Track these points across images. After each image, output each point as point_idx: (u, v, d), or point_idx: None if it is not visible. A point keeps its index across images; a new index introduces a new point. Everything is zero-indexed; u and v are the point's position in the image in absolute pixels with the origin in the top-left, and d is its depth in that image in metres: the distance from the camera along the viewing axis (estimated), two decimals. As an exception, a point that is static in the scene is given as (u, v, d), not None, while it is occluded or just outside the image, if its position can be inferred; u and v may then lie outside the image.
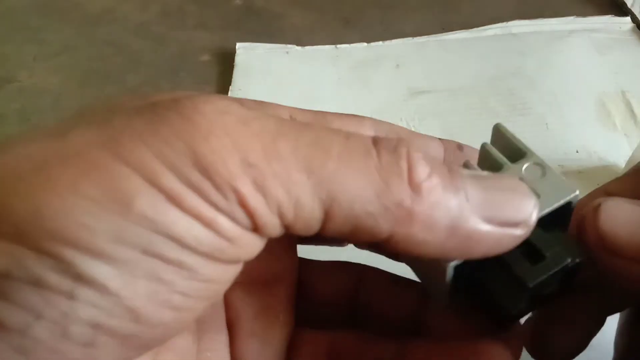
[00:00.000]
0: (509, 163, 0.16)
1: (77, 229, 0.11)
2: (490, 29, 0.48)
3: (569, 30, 0.47)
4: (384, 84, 0.44)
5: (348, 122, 0.18)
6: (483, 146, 0.17)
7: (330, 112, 0.18)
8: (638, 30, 0.47)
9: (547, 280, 0.16)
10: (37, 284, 0.11)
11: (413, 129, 0.34)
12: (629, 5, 0.48)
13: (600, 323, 0.19)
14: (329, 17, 0.51)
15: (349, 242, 0.19)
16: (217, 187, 0.12)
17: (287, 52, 0.47)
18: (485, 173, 0.15)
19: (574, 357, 0.19)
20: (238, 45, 0.47)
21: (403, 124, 0.39)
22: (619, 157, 0.36)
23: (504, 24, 0.48)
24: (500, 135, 0.17)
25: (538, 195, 0.15)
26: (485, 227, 0.14)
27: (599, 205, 0.16)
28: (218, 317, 0.18)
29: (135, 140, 0.12)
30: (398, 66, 0.45)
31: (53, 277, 0.11)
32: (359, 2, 0.53)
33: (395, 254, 0.18)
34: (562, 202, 0.15)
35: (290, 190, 0.12)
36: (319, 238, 0.20)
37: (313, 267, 0.20)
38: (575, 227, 0.16)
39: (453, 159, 0.19)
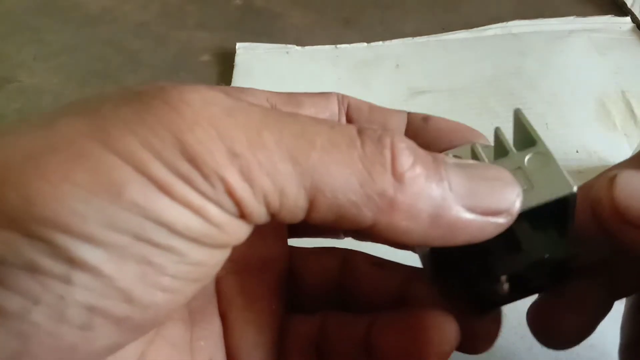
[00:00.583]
0: (514, 150, 0.16)
1: (69, 215, 0.11)
2: (490, 29, 0.48)
3: (569, 30, 0.47)
4: (384, 84, 0.44)
5: (317, 99, 0.19)
6: (495, 130, 0.17)
7: (301, 93, 0.19)
8: (638, 30, 0.47)
9: (522, 272, 0.15)
10: (33, 269, 0.11)
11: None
12: (629, 5, 0.48)
13: (608, 307, 0.19)
14: (329, 17, 0.51)
15: (334, 229, 0.19)
16: (205, 176, 0.12)
17: (287, 52, 0.47)
18: (470, 162, 0.15)
19: (580, 342, 0.19)
20: (238, 45, 0.47)
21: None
22: (619, 157, 0.36)
23: (504, 24, 0.48)
24: (517, 121, 0.17)
25: (532, 186, 0.15)
26: (468, 216, 0.14)
27: (615, 176, 0.15)
28: (210, 307, 0.18)
29: (122, 129, 0.12)
30: (398, 66, 0.45)
31: (47, 262, 0.11)
32: (359, 2, 0.53)
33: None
34: (554, 197, 0.15)
35: (276, 180, 0.12)
36: (312, 229, 0.20)
37: (299, 253, 0.21)
38: (590, 203, 0.16)
39: (418, 131, 0.19)
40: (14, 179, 0.11)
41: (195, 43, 0.49)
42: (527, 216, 0.15)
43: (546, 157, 0.16)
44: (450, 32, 0.48)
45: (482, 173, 0.15)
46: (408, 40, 0.48)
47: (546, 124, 0.39)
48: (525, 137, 0.17)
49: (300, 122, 0.13)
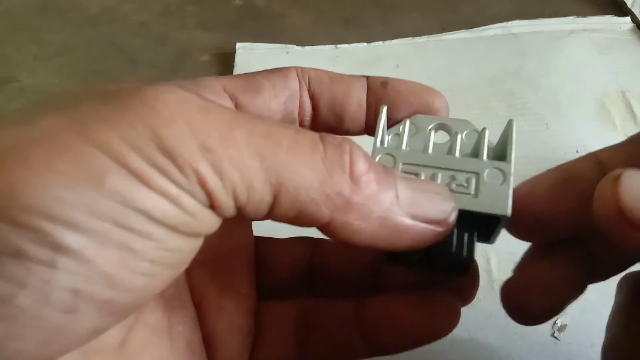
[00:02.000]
0: (485, 158, 0.18)
1: (53, 203, 0.12)
2: (490, 29, 0.48)
3: (569, 30, 0.47)
4: (384, 84, 0.44)
5: (276, 78, 0.20)
6: (481, 130, 0.18)
7: (259, 72, 0.20)
8: (638, 30, 0.47)
9: (430, 253, 0.17)
10: (19, 255, 0.11)
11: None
12: (629, 5, 0.48)
13: (580, 289, 0.19)
14: (329, 17, 0.51)
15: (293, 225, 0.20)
16: (180, 168, 0.13)
17: (287, 52, 0.47)
18: (413, 177, 0.17)
19: (548, 319, 0.19)
20: (238, 45, 0.47)
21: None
22: (619, 157, 0.36)
23: (504, 24, 0.48)
24: (505, 132, 0.18)
25: (477, 195, 0.17)
26: (411, 222, 0.16)
27: (619, 175, 0.15)
28: (184, 296, 0.19)
29: (101, 124, 0.12)
30: (398, 66, 0.45)
31: (32, 248, 0.11)
32: (359, 2, 0.53)
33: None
34: (487, 212, 0.17)
35: (244, 175, 0.13)
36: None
37: (271, 244, 0.22)
38: (595, 198, 0.15)
39: (379, 95, 0.20)
40: None
41: (195, 43, 0.49)
42: (466, 221, 0.17)
43: (505, 177, 0.17)
44: (450, 32, 0.48)
45: (425, 187, 0.16)
46: (408, 40, 0.48)
47: (546, 124, 0.39)
48: (503, 149, 0.18)
49: (268, 124, 0.14)
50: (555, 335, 0.29)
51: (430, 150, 0.18)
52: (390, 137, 0.19)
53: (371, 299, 0.20)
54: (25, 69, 0.47)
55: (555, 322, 0.30)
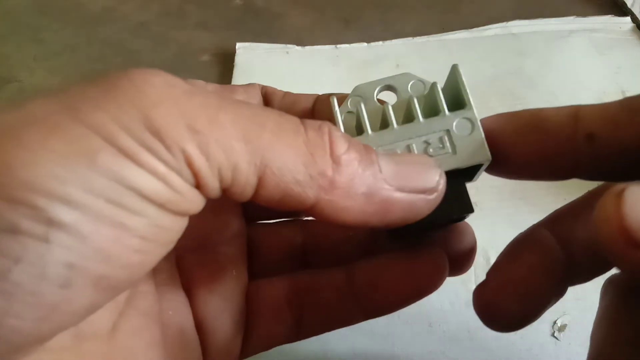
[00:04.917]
0: (446, 111, 0.18)
1: (48, 179, 0.12)
2: (490, 29, 0.48)
3: (569, 30, 0.47)
4: (384, 84, 0.44)
5: (246, 87, 0.22)
6: (433, 86, 0.19)
7: (231, 85, 0.21)
8: (638, 30, 0.47)
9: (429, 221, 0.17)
10: (13, 230, 0.12)
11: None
12: (629, 5, 0.48)
13: (559, 293, 0.18)
14: (329, 17, 0.51)
15: (279, 210, 0.21)
16: (168, 147, 0.13)
17: (287, 52, 0.47)
18: (393, 153, 0.18)
19: (523, 326, 0.18)
20: (238, 45, 0.47)
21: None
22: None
23: (504, 24, 0.48)
24: (453, 77, 0.19)
25: (455, 152, 0.17)
26: (399, 195, 0.16)
27: (622, 191, 0.13)
28: (174, 282, 0.20)
29: (91, 105, 0.13)
30: (398, 66, 0.45)
31: (27, 223, 0.12)
32: (359, 2, 0.53)
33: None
34: (471, 164, 0.17)
35: (230, 156, 0.14)
36: (269, 213, 0.22)
37: (263, 228, 0.23)
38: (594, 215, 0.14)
39: (323, 100, 0.21)
40: None
41: (195, 43, 0.49)
42: (449, 174, 0.17)
43: (472, 123, 0.17)
44: (450, 32, 0.48)
45: (407, 159, 0.17)
46: (408, 40, 0.48)
47: (546, 124, 0.39)
48: (458, 96, 0.18)
49: (252, 107, 0.15)
50: (555, 335, 0.29)
51: (395, 125, 0.18)
52: (343, 117, 0.19)
53: (361, 264, 0.21)
54: (25, 69, 0.47)
55: (555, 322, 0.30)
